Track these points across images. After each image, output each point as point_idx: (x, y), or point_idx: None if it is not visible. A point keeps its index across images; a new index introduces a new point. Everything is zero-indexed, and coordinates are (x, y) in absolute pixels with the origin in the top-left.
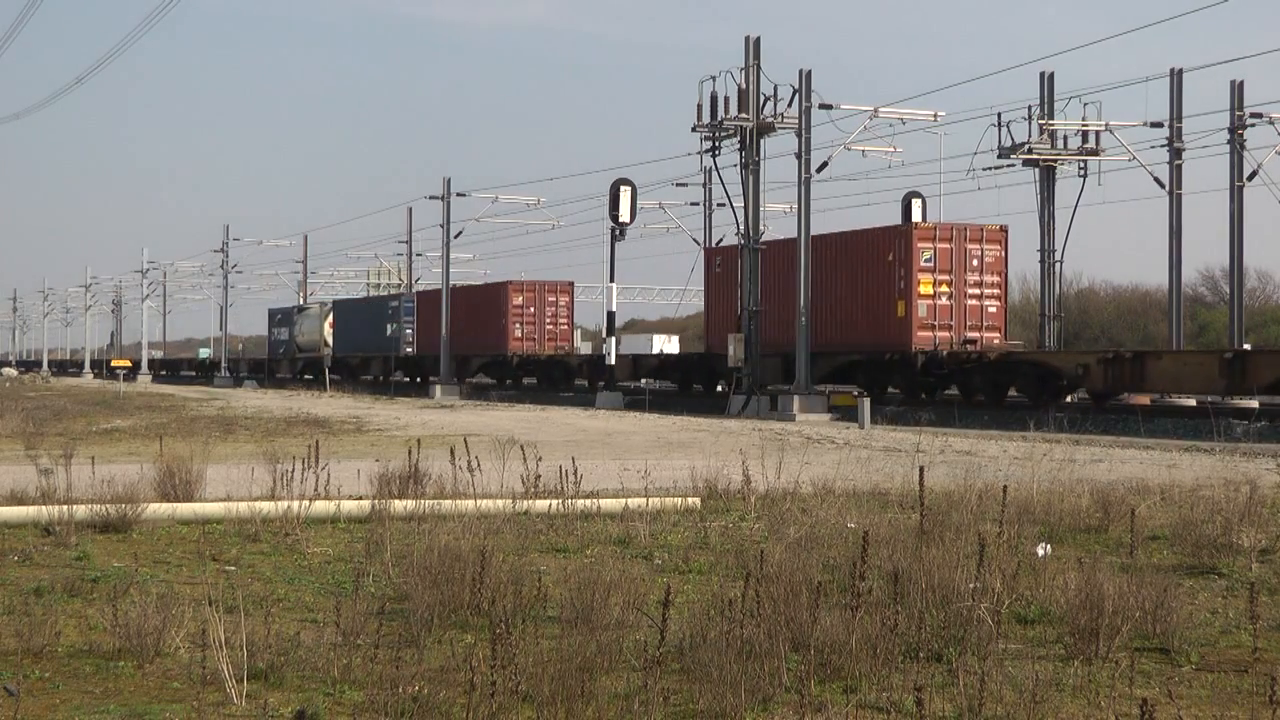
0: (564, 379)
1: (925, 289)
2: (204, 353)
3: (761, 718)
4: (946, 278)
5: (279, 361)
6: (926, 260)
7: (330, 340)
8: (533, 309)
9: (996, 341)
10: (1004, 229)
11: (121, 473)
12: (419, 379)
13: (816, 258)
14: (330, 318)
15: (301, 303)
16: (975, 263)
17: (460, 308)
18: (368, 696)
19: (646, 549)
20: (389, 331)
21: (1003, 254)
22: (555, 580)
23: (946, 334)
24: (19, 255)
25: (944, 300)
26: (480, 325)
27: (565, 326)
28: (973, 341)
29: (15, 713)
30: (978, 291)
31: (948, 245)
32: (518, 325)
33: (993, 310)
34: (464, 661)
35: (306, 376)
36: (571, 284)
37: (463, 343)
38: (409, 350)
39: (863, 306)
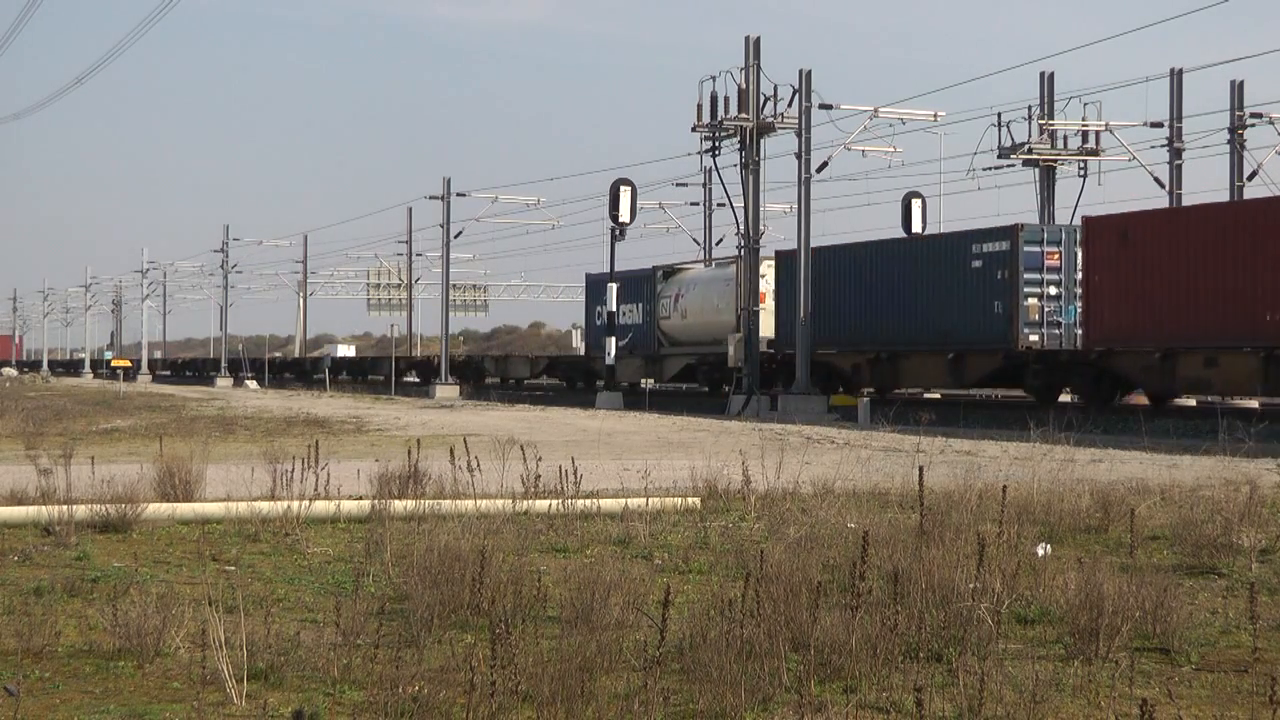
0: None
1: None
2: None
3: (761, 718)
4: None
5: (615, 361)
6: None
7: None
8: None
9: None
10: None
11: (121, 473)
12: (1044, 402)
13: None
14: (760, 284)
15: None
16: None
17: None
18: (368, 696)
19: (646, 549)
20: (988, 305)
21: None
22: (555, 580)
23: None
24: (19, 255)
25: None
26: None
27: None
28: None
29: (15, 713)
30: None
31: None
32: None
33: None
34: (464, 661)
35: (683, 386)
36: None
37: None
38: (1033, 340)
39: None
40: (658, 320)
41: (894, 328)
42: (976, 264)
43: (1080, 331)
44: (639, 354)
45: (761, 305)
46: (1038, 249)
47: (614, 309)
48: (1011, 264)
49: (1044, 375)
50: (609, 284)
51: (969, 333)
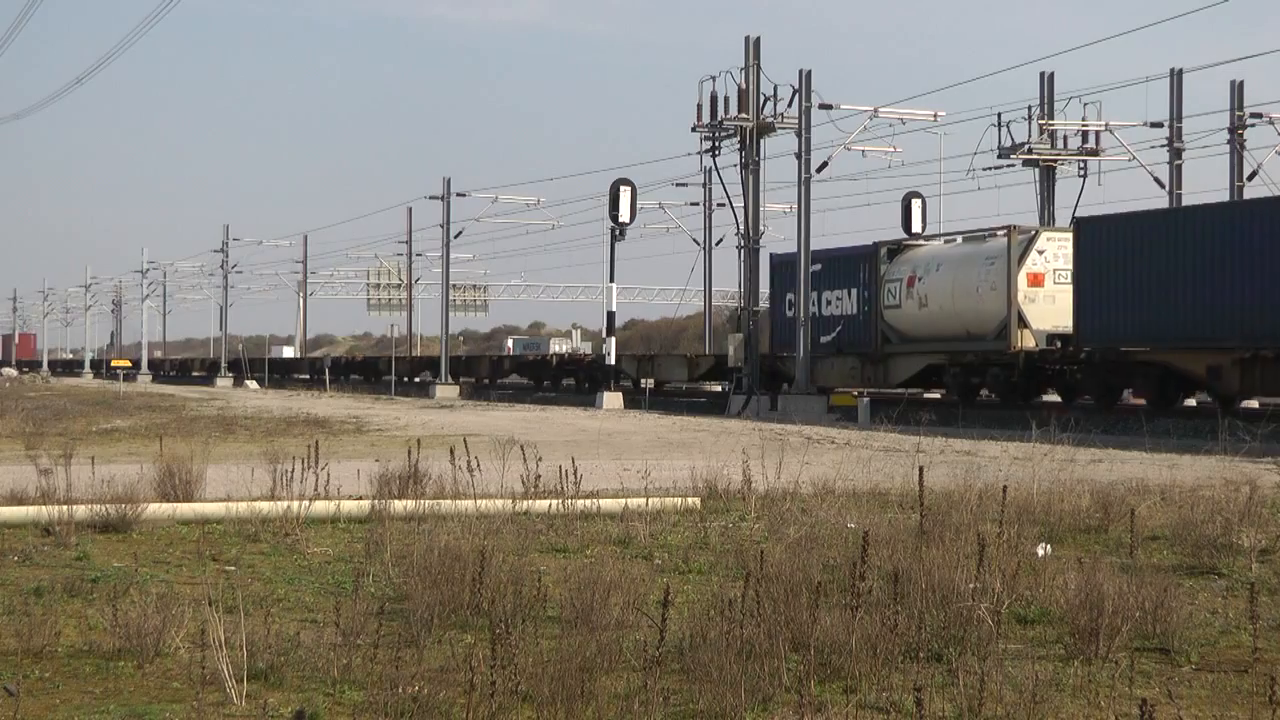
0: None
1: None
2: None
3: (761, 718)
4: None
5: (819, 360)
6: None
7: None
8: None
9: None
10: None
11: (121, 473)
12: None
13: None
14: (1037, 262)
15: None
16: None
17: None
18: (368, 696)
19: (646, 549)
20: None
21: None
22: (555, 580)
23: None
24: (19, 255)
25: None
26: None
27: None
28: None
29: (15, 713)
30: None
31: None
32: None
33: None
34: (464, 661)
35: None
36: None
37: None
38: None
39: None
40: (880, 310)
41: None
42: None
43: None
44: (852, 352)
45: (1039, 289)
46: None
47: (612, 309)
48: None
49: None
50: (608, 284)
51: None
